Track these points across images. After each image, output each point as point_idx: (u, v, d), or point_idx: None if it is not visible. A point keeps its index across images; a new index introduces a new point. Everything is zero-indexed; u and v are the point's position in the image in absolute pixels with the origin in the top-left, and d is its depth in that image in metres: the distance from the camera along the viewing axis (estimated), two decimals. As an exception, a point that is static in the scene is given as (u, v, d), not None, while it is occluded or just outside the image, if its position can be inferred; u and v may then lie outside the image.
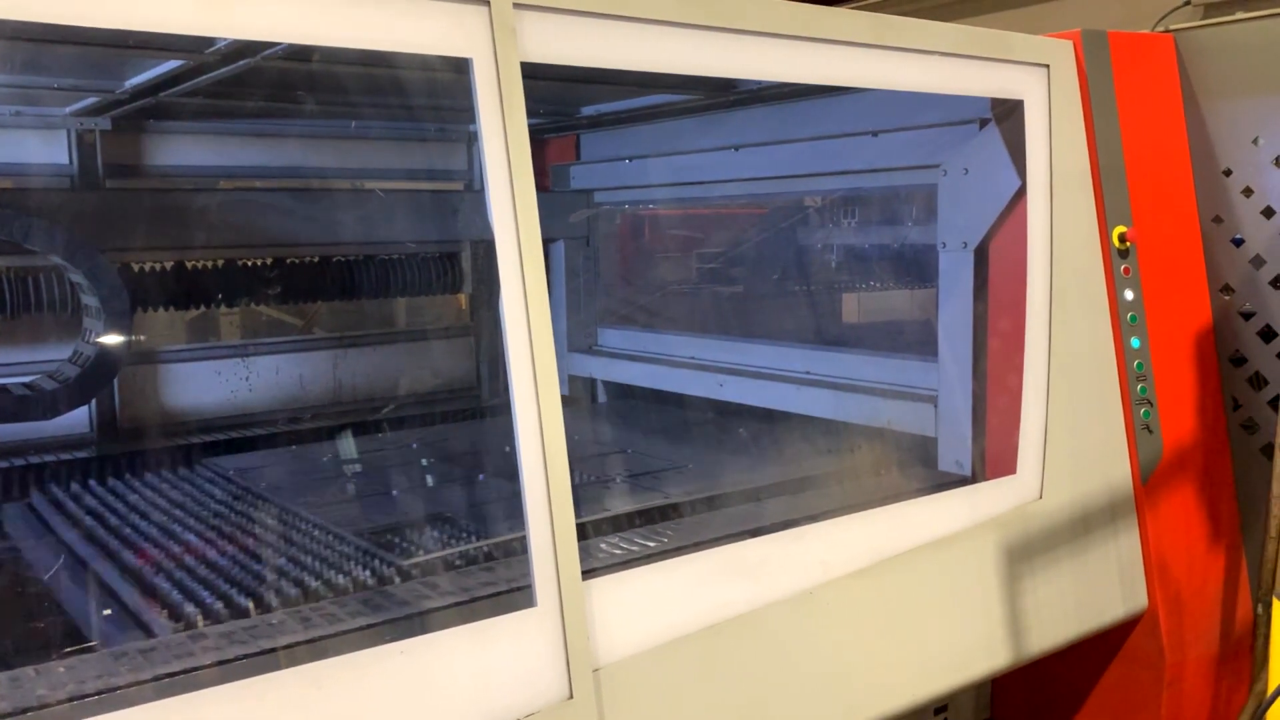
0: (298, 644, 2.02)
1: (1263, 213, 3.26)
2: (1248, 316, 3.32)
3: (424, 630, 1.97)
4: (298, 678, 1.83)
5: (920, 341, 3.57)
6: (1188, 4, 3.67)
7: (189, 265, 3.72)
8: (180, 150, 3.92)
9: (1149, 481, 3.17)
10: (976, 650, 2.82)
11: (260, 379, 4.21)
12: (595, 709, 2.05)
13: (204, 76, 2.83)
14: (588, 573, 2.11)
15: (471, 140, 4.51)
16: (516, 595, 2.10)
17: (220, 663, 2.01)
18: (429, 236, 4.26)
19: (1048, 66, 3.04)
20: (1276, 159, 3.22)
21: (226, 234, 3.82)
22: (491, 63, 2.01)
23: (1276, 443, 3.13)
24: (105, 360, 3.40)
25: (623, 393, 4.63)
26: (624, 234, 4.83)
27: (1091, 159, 3.14)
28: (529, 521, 2.02)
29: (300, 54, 2.58)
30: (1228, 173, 3.32)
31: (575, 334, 4.65)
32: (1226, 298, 3.35)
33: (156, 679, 1.94)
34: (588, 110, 4.08)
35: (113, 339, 3.37)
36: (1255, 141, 3.26)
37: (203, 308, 3.86)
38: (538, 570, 2.02)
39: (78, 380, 3.37)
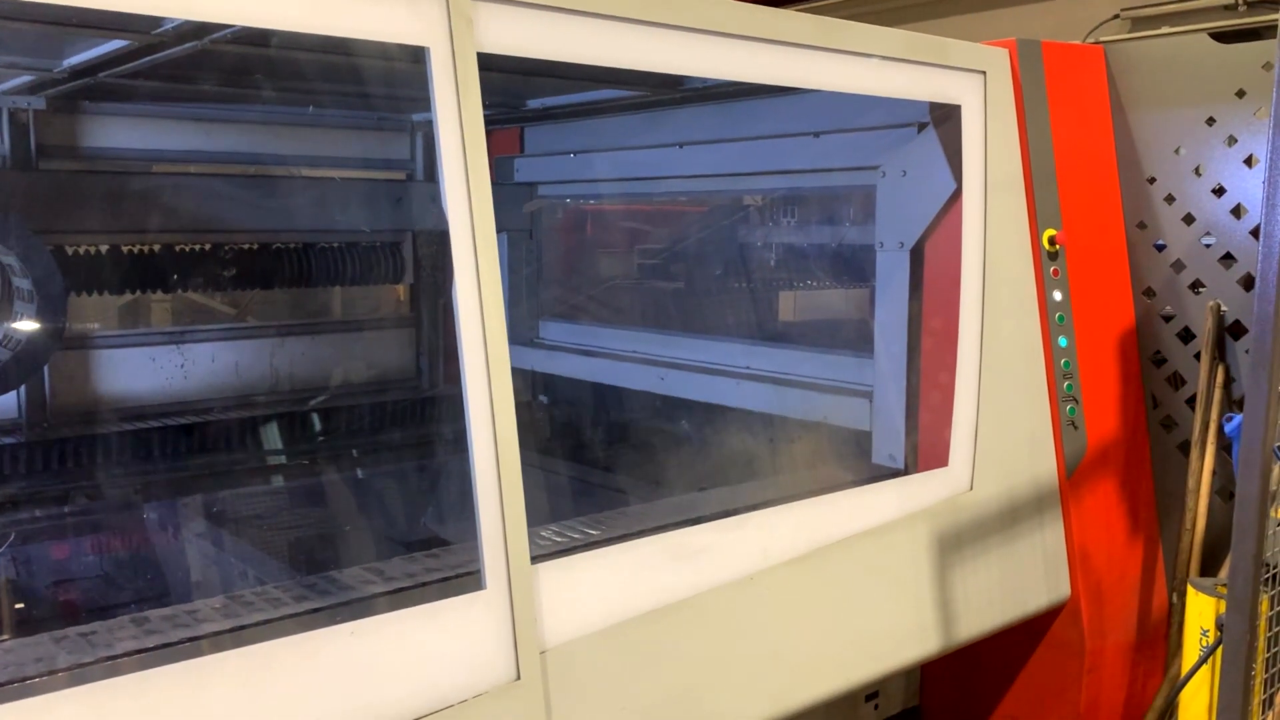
0: (246, 626, 2.01)
1: (1183, 220, 3.40)
2: (1168, 319, 3.46)
3: (374, 614, 1.98)
4: (246, 658, 1.84)
5: (857, 338, 3.66)
6: (1117, 17, 3.81)
7: (125, 249, 3.66)
8: (119, 133, 3.85)
9: (1073, 475, 3.29)
10: (908, 636, 2.90)
11: (196, 367, 4.16)
12: (542, 690, 2.09)
13: (148, 58, 2.79)
14: (535, 558, 2.14)
15: (415, 130, 4.49)
16: (465, 579, 2.12)
17: (164, 645, 1.99)
18: (371, 226, 4.24)
19: (984, 73, 3.14)
20: (1196, 169, 3.37)
21: (164, 219, 3.76)
22: (448, 52, 2.03)
23: (1193, 440, 3.28)
24: (37, 344, 3.34)
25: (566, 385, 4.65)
26: (567, 228, 4.86)
27: (1024, 164, 3.25)
28: (479, 506, 2.05)
29: (249, 38, 2.56)
30: (1152, 180, 3.46)
31: (517, 326, 4.66)
32: (1149, 300, 3.49)
33: (97, 662, 1.92)
34: (533, 103, 4.09)
35: (45, 323, 3.31)
36: (1177, 151, 3.40)
37: (138, 293, 3.80)
38: (487, 554, 2.05)
39: (8, 364, 3.30)
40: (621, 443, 4.14)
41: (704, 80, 3.28)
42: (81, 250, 3.58)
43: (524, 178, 4.62)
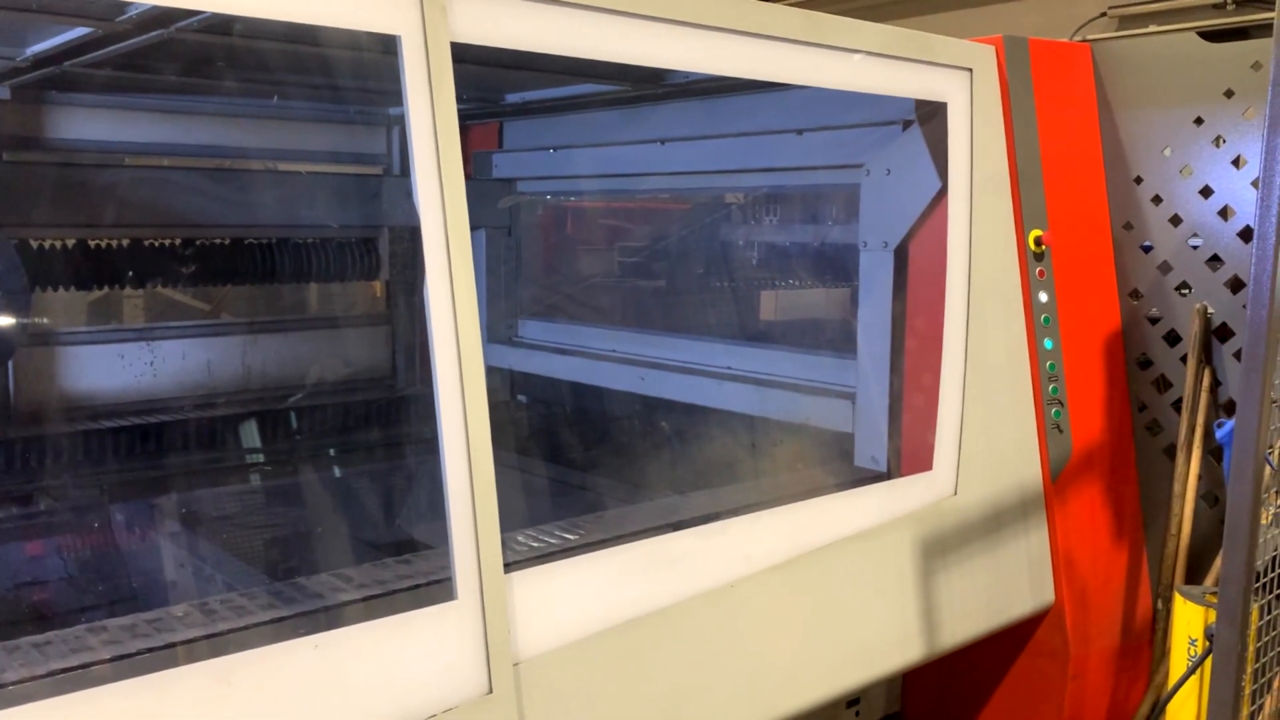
0: (205, 637, 1.94)
1: (1170, 221, 3.36)
2: (1154, 321, 3.42)
3: (340, 624, 1.90)
4: (205, 673, 1.76)
5: (840, 339, 3.60)
6: (1104, 15, 3.77)
7: (92, 244, 3.56)
8: (86, 124, 3.75)
9: (1058, 480, 3.25)
10: (891, 644, 2.85)
11: (166, 364, 4.07)
12: (515, 704, 2.02)
13: (113, 46, 2.70)
14: (510, 565, 2.08)
15: (392, 124, 4.41)
16: (436, 587, 2.05)
17: (121, 657, 1.91)
18: (345, 221, 4.16)
19: (971, 70, 3.09)
20: (1184, 169, 3.33)
21: (133, 212, 3.67)
22: (420, 42, 1.96)
23: (1179, 444, 3.25)
24: (-1, 341, 3.25)
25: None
26: (546, 225, 4.79)
27: (1010, 163, 3.20)
28: (450, 514, 1.98)
29: (217, 27, 2.49)
30: (1138, 181, 3.42)
31: (495, 325, 4.59)
32: (1135, 302, 3.45)
33: (51, 674, 1.84)
34: (512, 97, 4.02)
35: (8, 319, 3.22)
36: (1164, 151, 3.36)
37: (106, 288, 3.71)
38: (458, 563, 1.98)
39: (-31, 361, 3.21)
40: (601, 444, 4.07)
41: (686, 75, 3.22)
42: (47, 244, 3.49)
43: (503, 173, 4.55)
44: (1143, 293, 3.44)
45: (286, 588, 2.26)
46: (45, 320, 3.78)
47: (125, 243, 3.62)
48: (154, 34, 2.55)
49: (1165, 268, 3.38)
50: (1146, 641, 3.43)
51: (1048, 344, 3.25)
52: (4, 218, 3.37)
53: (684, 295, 4.40)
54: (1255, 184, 2.56)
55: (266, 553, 3.49)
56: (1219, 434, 3.08)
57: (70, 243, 3.52)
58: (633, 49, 2.38)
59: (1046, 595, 3.23)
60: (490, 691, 1.99)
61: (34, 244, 3.45)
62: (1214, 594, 2.38)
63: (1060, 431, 3.25)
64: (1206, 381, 3.23)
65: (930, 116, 3.07)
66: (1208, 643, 2.48)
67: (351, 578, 2.31)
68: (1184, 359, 3.29)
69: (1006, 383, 3.19)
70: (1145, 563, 3.47)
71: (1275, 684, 2.49)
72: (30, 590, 3.31)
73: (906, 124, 3.15)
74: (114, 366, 3.94)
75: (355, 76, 3.28)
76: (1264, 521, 2.24)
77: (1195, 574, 3.24)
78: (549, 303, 4.66)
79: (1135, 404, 3.47)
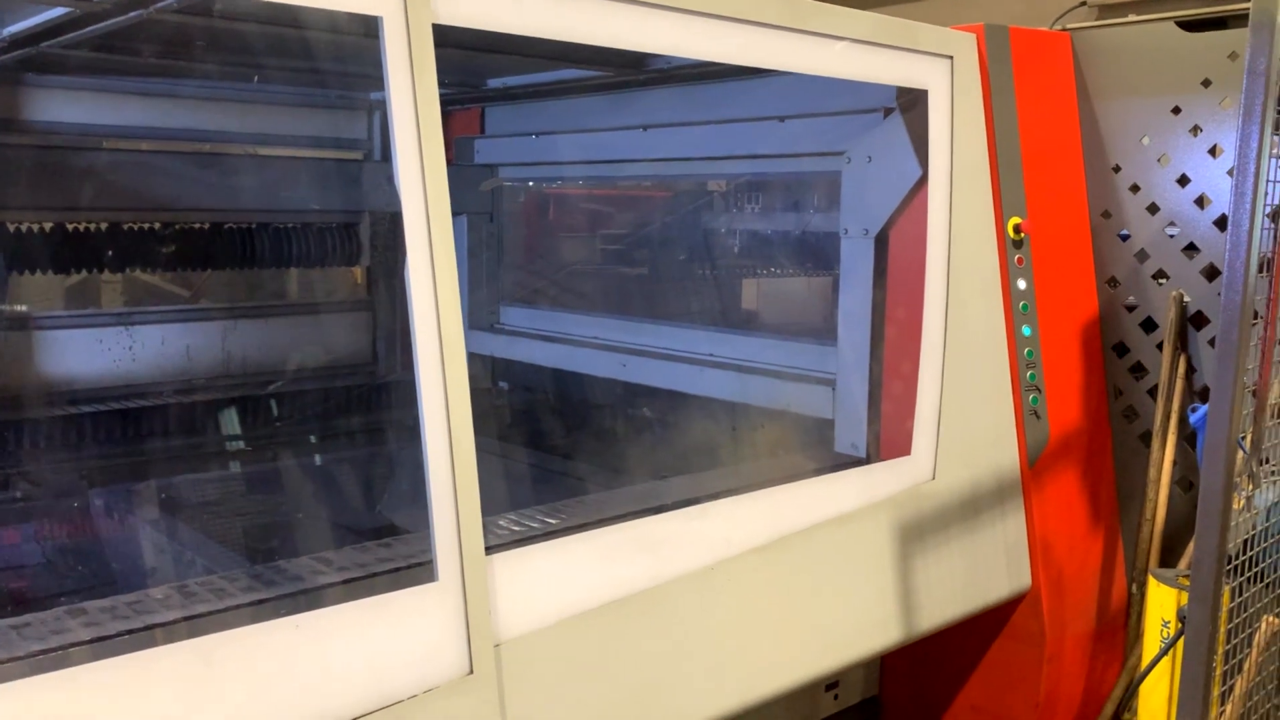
0: (185, 619, 1.93)
1: (1148, 209, 3.39)
2: (1131, 308, 3.45)
3: (321, 606, 1.91)
4: (184, 653, 1.76)
5: (820, 326, 3.62)
6: (1084, 4, 3.79)
7: (70, 227, 3.54)
8: (64, 107, 3.72)
9: (1035, 465, 3.28)
10: (870, 627, 2.87)
11: (145, 349, 4.04)
12: (496, 684, 2.03)
13: (92, 27, 2.68)
14: (491, 548, 2.08)
15: (373, 108, 4.39)
16: (417, 569, 2.05)
17: (100, 639, 1.91)
18: (326, 206, 4.15)
19: (951, 58, 3.10)
20: (1161, 158, 3.36)
21: (111, 196, 3.65)
22: (402, 22, 1.95)
23: (1154, 430, 3.28)
24: (-24, 324, 3.22)
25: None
26: (529, 211, 4.78)
27: (990, 151, 3.22)
28: (431, 496, 1.98)
29: (196, 7, 2.48)
30: (1117, 169, 3.44)
31: (477, 311, 4.58)
32: (1112, 290, 3.48)
33: (30, 656, 1.83)
34: (494, 82, 4.01)
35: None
36: (1143, 140, 3.39)
37: (84, 272, 3.68)
38: (440, 545, 1.98)
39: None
40: (582, 430, 4.08)
41: (669, 61, 3.22)
42: (24, 227, 3.46)
43: (485, 159, 4.54)
44: (1120, 280, 3.47)
45: (267, 570, 2.26)
46: (22, 305, 3.75)
47: (104, 226, 3.59)
48: (132, 15, 2.53)
49: (1142, 256, 3.42)
50: (1121, 624, 3.47)
51: (1026, 331, 3.28)
52: (-20, 200, 3.34)
53: (666, 282, 4.41)
54: (1231, 173, 2.58)
55: (246, 538, 3.48)
56: (1193, 419, 3.11)
57: (48, 226, 3.50)
58: (615, 32, 2.37)
59: (1023, 579, 3.26)
60: (471, 672, 2.00)
61: (11, 227, 3.42)
62: (1187, 577, 2.42)
63: (1038, 417, 3.28)
64: (1182, 368, 3.26)
65: (911, 104, 3.08)
66: (1180, 625, 2.51)
67: (332, 560, 2.31)
68: (1160, 346, 3.32)
69: (985, 369, 3.22)
70: (1120, 547, 3.51)
71: (1245, 665, 2.53)
72: (7, 575, 3.29)
73: (887, 111, 3.16)
74: (92, 351, 3.91)
75: (336, 59, 3.26)
76: (1236, 506, 2.27)
77: (1169, 558, 3.28)
78: (531, 289, 4.66)
79: (1112, 390, 3.51)
